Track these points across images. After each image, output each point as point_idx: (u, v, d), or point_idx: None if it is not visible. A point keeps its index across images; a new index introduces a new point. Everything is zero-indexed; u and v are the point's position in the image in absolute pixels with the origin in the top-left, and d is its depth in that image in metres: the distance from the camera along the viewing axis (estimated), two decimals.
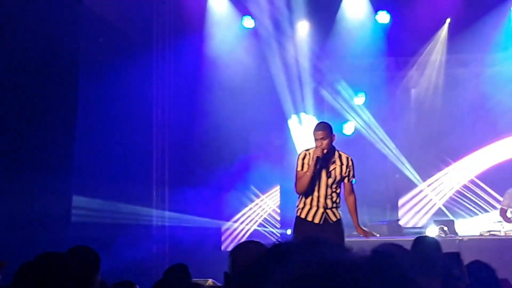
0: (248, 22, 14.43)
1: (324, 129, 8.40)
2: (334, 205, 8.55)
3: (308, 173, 8.41)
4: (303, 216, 8.55)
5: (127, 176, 12.16)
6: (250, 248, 4.13)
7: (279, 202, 14.64)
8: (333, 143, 8.56)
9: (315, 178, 8.48)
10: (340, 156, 8.57)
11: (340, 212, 8.60)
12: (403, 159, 14.98)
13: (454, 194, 14.76)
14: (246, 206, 14.51)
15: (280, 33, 14.45)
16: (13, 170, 10.06)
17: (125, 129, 12.25)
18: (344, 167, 8.54)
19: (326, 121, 8.85)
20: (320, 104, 15.16)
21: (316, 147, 8.38)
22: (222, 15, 14.33)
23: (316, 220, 8.51)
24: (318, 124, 8.56)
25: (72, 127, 10.96)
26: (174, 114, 13.43)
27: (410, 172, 14.91)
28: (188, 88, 13.63)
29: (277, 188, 14.69)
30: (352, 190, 8.73)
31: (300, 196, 8.62)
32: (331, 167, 8.50)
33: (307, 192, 8.55)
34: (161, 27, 13.44)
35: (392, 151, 15.12)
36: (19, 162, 10.20)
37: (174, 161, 13.41)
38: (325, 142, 8.34)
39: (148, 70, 13.10)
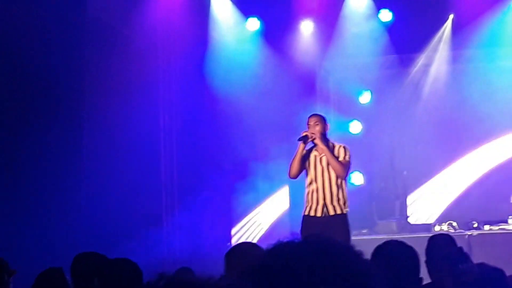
0: (252, 24, 14.45)
1: (317, 116, 8.65)
2: (336, 199, 8.62)
3: (297, 151, 8.54)
4: (306, 213, 8.72)
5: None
6: (244, 249, 4.16)
7: (288, 204, 14.54)
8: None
9: (311, 166, 8.63)
10: (333, 145, 8.74)
11: (344, 210, 8.67)
12: (411, 155, 14.96)
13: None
14: (254, 209, 14.45)
15: (284, 33, 14.48)
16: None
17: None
18: (336, 151, 8.69)
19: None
20: (327, 103, 15.16)
21: None
22: (225, 18, 14.37)
23: (318, 214, 8.63)
24: (311, 114, 8.88)
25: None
26: (181, 122, 13.48)
27: (419, 169, 14.88)
28: (194, 95, 13.68)
29: (286, 189, 14.60)
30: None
31: (305, 196, 8.77)
32: (322, 154, 8.63)
33: (308, 188, 8.69)
34: (165, 33, 13.50)
35: (399, 148, 15.12)
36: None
37: (183, 170, 13.38)
38: (317, 128, 8.54)
39: (155, 76, 13.10)
